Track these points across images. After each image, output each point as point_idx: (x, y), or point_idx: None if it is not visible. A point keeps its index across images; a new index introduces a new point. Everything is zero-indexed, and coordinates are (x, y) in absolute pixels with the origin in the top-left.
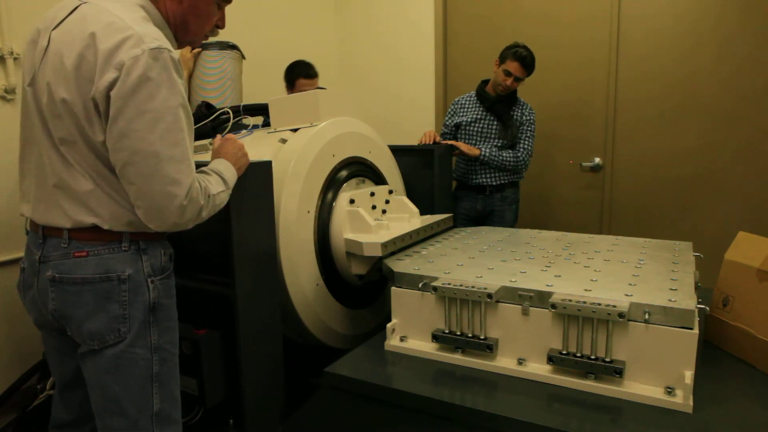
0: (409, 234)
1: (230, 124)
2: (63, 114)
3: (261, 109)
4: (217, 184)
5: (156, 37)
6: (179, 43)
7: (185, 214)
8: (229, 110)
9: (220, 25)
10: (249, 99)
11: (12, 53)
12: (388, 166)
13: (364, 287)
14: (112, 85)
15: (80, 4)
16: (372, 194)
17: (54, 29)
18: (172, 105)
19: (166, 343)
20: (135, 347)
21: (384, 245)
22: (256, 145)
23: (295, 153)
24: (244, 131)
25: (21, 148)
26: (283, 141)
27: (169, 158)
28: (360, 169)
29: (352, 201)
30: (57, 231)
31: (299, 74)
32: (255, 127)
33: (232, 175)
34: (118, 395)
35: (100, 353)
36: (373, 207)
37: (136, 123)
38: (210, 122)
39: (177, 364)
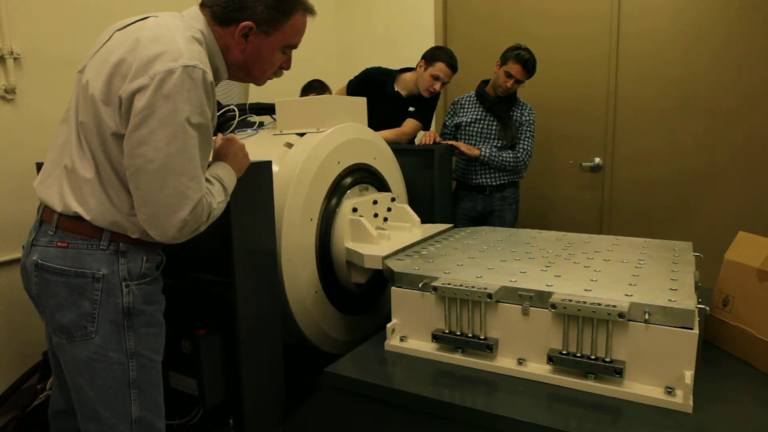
0: (411, 246)
1: (236, 122)
2: (89, 100)
3: (267, 109)
4: (218, 193)
5: (196, 56)
6: (240, 81)
7: (185, 228)
8: (235, 108)
9: (286, 67)
10: (253, 98)
11: (12, 53)
12: (391, 171)
13: (362, 293)
14: (139, 90)
15: (150, 16)
16: (375, 202)
17: (119, 30)
18: (194, 123)
19: (145, 350)
20: (108, 350)
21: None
22: (261, 147)
23: (301, 160)
24: (249, 130)
25: (58, 126)
26: (289, 145)
27: (181, 172)
28: (364, 176)
29: (354, 209)
30: (50, 215)
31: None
32: (260, 125)
33: (232, 181)
34: (92, 400)
35: (72, 352)
36: (375, 215)
37: (158, 133)
38: (216, 118)
39: (159, 371)
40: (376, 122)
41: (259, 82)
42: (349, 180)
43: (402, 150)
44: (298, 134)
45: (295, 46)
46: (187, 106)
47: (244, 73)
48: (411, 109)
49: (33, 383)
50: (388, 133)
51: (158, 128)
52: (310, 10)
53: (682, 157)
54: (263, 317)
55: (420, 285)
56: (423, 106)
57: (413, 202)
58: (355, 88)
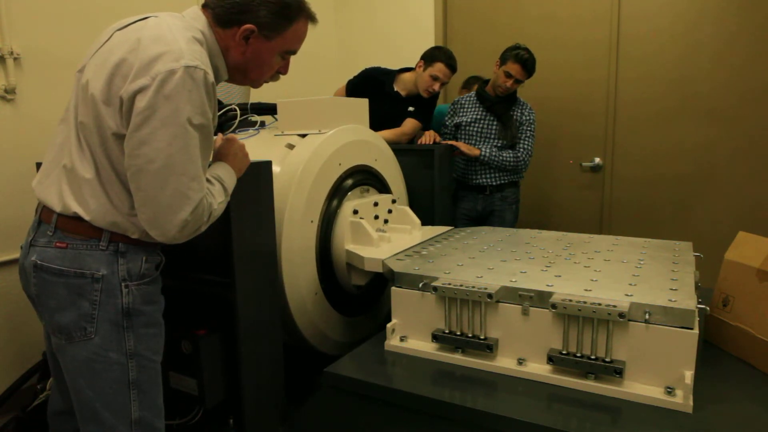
0: (411, 249)
1: (237, 121)
2: (89, 100)
3: (269, 109)
4: (219, 194)
5: (197, 56)
6: (237, 84)
7: (186, 229)
8: (236, 107)
9: (283, 72)
10: (255, 98)
11: (12, 53)
12: (392, 173)
13: (361, 295)
14: (140, 90)
15: (150, 16)
16: (375, 204)
17: (119, 30)
18: (195, 123)
19: (145, 350)
20: (108, 351)
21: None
22: (262, 148)
23: (302, 161)
24: (250, 130)
25: (57, 125)
26: (291, 146)
27: (182, 173)
28: (365, 178)
29: (355, 211)
30: (48, 216)
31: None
32: (262, 125)
33: (232, 181)
34: (92, 400)
35: (71, 352)
36: (376, 217)
37: (159, 134)
38: (217, 119)
39: (159, 372)
40: (375, 122)
41: (256, 84)
42: (350, 182)
43: (402, 150)
44: (299, 135)
45: (294, 52)
46: (189, 107)
47: (241, 75)
48: (411, 108)
49: (33, 383)
50: (388, 133)
51: (159, 128)
52: (312, 18)
53: (682, 157)
54: (263, 317)
55: (420, 285)
56: (422, 105)
57: (413, 202)
58: (354, 88)
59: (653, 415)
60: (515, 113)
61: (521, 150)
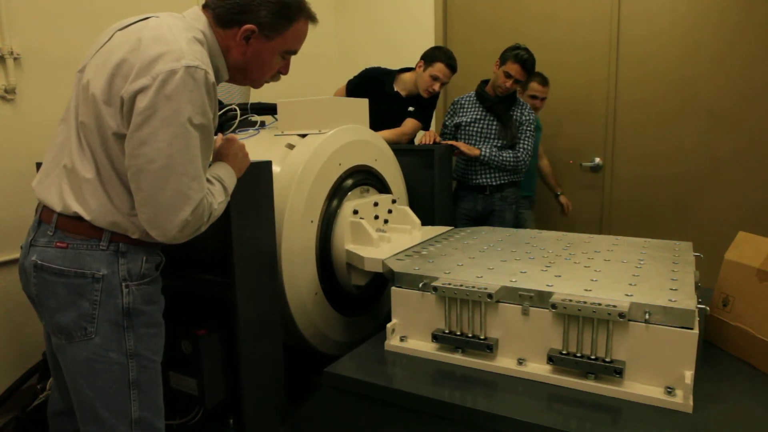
0: (411, 249)
1: (237, 121)
2: (89, 100)
3: (269, 109)
4: (219, 194)
5: (198, 56)
6: (238, 84)
7: (186, 229)
8: (236, 107)
9: (283, 72)
10: (255, 98)
11: (12, 53)
12: (392, 173)
13: (361, 295)
14: (141, 90)
15: (151, 16)
16: (375, 204)
17: (120, 30)
18: (196, 123)
19: (145, 350)
20: (108, 351)
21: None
22: (263, 148)
23: (303, 161)
24: (251, 130)
25: (57, 125)
26: (291, 146)
27: (183, 173)
28: (365, 178)
29: (355, 211)
30: (49, 216)
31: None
32: (262, 125)
33: (232, 181)
34: (92, 400)
35: (71, 352)
36: (376, 217)
37: (159, 134)
38: (217, 119)
39: (159, 371)
40: (375, 122)
41: (256, 84)
42: (350, 182)
43: (402, 150)
44: (299, 135)
45: (294, 52)
46: (189, 107)
47: (242, 75)
48: (410, 108)
49: (33, 383)
50: (388, 133)
51: (160, 128)
52: (312, 18)
53: (682, 157)
54: (263, 317)
55: (420, 285)
56: (422, 105)
57: (413, 202)
58: (354, 88)
59: (653, 415)
60: (515, 113)
61: (521, 150)
